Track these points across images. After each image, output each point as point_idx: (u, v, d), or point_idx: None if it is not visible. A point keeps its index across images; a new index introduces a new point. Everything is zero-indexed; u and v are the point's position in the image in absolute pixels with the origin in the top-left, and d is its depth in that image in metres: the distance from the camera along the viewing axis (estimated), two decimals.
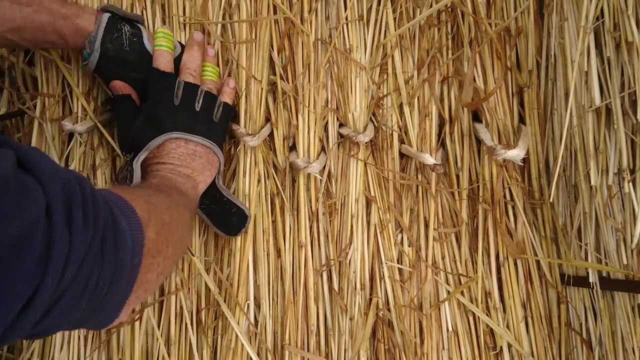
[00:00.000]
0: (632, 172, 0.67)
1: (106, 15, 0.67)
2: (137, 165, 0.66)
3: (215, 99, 0.71)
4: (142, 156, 0.66)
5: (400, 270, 0.77)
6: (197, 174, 0.68)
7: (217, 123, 0.71)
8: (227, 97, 0.73)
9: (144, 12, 0.77)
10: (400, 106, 0.79)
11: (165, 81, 0.68)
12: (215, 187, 0.72)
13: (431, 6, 0.78)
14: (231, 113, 0.74)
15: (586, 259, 0.73)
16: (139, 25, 0.70)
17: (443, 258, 0.78)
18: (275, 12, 0.77)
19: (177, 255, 0.62)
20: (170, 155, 0.67)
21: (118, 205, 0.47)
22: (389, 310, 0.76)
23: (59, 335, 0.74)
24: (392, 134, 0.79)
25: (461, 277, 0.78)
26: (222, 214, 0.73)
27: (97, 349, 0.74)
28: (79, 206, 0.40)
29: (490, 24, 0.77)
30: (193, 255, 0.74)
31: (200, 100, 0.69)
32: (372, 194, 0.77)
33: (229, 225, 0.73)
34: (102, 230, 0.42)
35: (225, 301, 0.75)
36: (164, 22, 0.77)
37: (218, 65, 0.75)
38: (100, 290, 0.42)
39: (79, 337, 0.75)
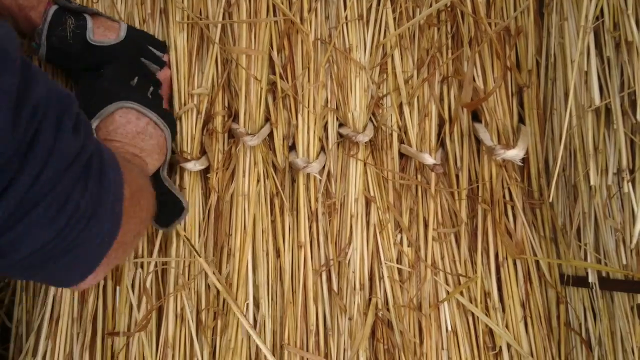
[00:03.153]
0: (632, 172, 0.67)
1: (53, 9, 0.68)
2: None
3: (162, 100, 0.74)
4: (94, 123, 0.64)
5: (399, 270, 0.77)
6: (146, 154, 0.65)
7: (169, 114, 0.71)
8: None
9: (151, 14, 0.77)
10: (400, 106, 0.79)
11: (127, 66, 0.70)
12: (159, 177, 0.70)
13: (431, 6, 0.77)
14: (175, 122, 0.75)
15: (585, 259, 0.73)
16: (85, 15, 0.70)
17: (442, 258, 0.78)
18: (274, 11, 0.77)
19: (146, 223, 0.60)
20: (118, 131, 0.64)
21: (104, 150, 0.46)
22: (388, 310, 0.76)
23: (57, 335, 0.74)
24: (391, 134, 0.79)
25: (460, 277, 0.78)
26: (158, 205, 0.68)
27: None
28: (72, 117, 0.38)
29: (490, 24, 0.77)
30: (199, 256, 0.74)
31: (151, 94, 0.71)
32: (372, 194, 0.77)
33: (161, 214, 0.68)
34: (90, 152, 0.40)
35: (224, 301, 0.75)
36: (167, 21, 0.77)
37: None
38: (80, 219, 0.40)
39: (71, 334, 0.75)
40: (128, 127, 0.65)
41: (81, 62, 0.70)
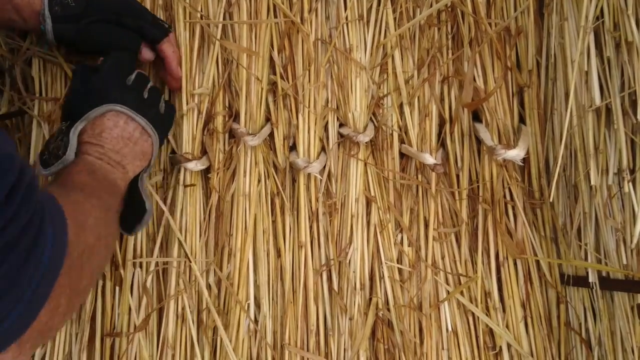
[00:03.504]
0: (632, 172, 0.67)
1: None
2: (74, 136, 0.62)
3: (160, 95, 0.72)
4: (79, 126, 0.62)
5: (400, 270, 0.77)
6: (128, 161, 0.64)
7: (162, 115, 0.70)
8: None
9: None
10: (401, 106, 0.79)
11: (126, 61, 0.69)
12: (136, 184, 0.67)
13: (431, 6, 0.78)
14: (174, 116, 0.74)
15: (586, 259, 0.73)
16: None
17: (443, 258, 0.78)
18: (275, 12, 0.77)
19: (92, 286, 0.56)
20: (103, 135, 0.63)
21: (54, 219, 0.42)
22: (388, 310, 0.76)
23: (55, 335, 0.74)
24: (392, 134, 0.79)
25: (461, 277, 0.78)
26: (127, 211, 0.67)
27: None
28: (7, 185, 0.36)
29: (490, 24, 0.77)
30: (191, 262, 0.74)
31: (148, 91, 0.69)
32: (372, 193, 0.78)
33: (124, 220, 0.66)
34: (22, 224, 0.37)
35: (225, 301, 0.75)
36: (172, 23, 0.77)
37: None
38: None
39: (69, 334, 0.75)
40: (115, 132, 0.64)
41: (88, 17, 0.69)
